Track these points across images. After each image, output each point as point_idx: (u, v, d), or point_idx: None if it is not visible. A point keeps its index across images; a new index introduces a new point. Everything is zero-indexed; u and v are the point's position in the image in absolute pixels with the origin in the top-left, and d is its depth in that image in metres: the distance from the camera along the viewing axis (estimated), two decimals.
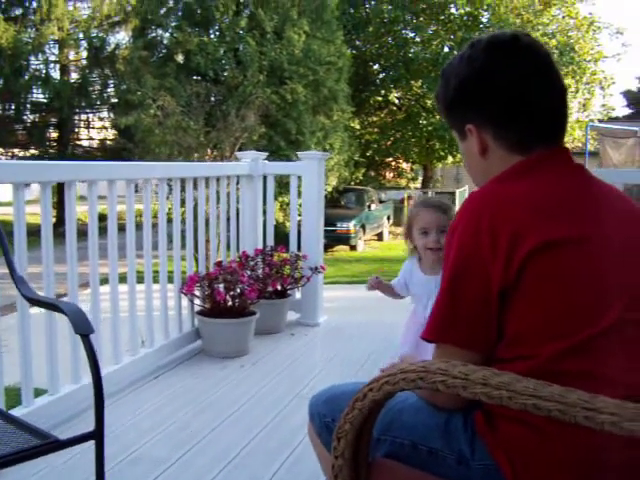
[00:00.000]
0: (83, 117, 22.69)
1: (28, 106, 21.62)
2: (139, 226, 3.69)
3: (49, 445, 1.61)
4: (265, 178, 5.02)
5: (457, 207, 1.51)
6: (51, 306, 1.82)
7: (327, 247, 15.66)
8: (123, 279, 3.55)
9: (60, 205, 3.35)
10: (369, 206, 18.96)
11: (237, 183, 4.84)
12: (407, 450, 1.44)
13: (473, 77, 1.44)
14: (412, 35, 21.67)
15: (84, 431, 1.78)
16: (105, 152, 21.91)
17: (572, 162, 1.44)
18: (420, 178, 26.74)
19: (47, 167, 3.25)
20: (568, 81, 20.90)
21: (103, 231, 3.39)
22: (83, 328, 1.63)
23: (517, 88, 1.40)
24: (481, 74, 1.43)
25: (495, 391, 1.13)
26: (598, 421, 1.03)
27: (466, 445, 1.36)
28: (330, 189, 17.01)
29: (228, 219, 4.71)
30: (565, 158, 1.43)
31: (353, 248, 17.22)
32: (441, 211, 2.68)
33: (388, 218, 21.20)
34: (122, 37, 23.07)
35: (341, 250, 16.96)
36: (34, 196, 3.05)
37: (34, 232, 2.99)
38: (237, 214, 4.82)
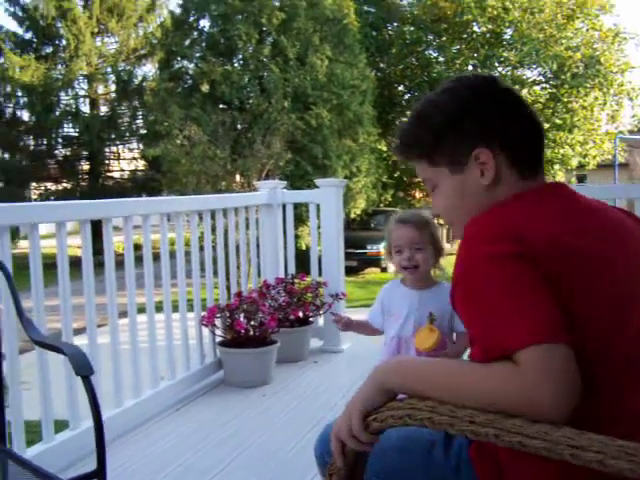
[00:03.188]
0: (113, 149, 23.08)
1: (59, 140, 22.06)
2: (157, 257, 3.74)
3: None
4: (285, 207, 5.05)
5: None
6: (53, 348, 1.86)
7: (358, 270, 15.67)
8: (128, 311, 3.60)
9: (93, 236, 3.46)
10: None
11: (256, 212, 4.87)
12: None
13: (481, 97, 1.40)
14: (435, 55, 21.72)
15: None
16: (135, 183, 22.22)
17: (568, 192, 1.39)
18: None
19: (86, 206, 3.42)
20: (595, 94, 20.75)
21: (120, 266, 3.44)
22: (83, 370, 1.66)
23: (514, 116, 1.39)
24: (488, 94, 1.40)
25: (482, 429, 1.13)
26: (585, 459, 1.03)
27: (451, 475, 1.36)
28: (359, 212, 17.03)
29: (249, 249, 4.75)
30: (562, 191, 1.39)
31: (384, 270, 17.14)
32: (414, 227, 2.51)
33: None
34: (149, 69, 23.61)
35: (372, 272, 16.91)
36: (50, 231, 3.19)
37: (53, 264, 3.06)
38: (257, 243, 4.86)
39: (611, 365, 1.21)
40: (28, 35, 21.80)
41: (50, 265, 3.03)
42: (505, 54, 20.64)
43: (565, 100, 20.61)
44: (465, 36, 21.16)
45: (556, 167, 21.16)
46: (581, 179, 28.18)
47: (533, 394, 1.08)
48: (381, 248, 16.89)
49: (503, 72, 20.95)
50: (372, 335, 2.75)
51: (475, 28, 21.15)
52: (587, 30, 21.35)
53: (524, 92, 21.18)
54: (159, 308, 3.75)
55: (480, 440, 1.14)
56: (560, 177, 21.89)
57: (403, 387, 1.26)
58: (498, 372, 1.13)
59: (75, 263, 3.12)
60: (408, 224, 2.53)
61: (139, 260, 3.58)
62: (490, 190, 1.36)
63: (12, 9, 21.55)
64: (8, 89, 20.84)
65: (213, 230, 4.38)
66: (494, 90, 1.41)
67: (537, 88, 21.46)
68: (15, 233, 15.27)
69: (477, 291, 1.22)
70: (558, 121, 20.37)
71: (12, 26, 21.96)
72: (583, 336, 1.16)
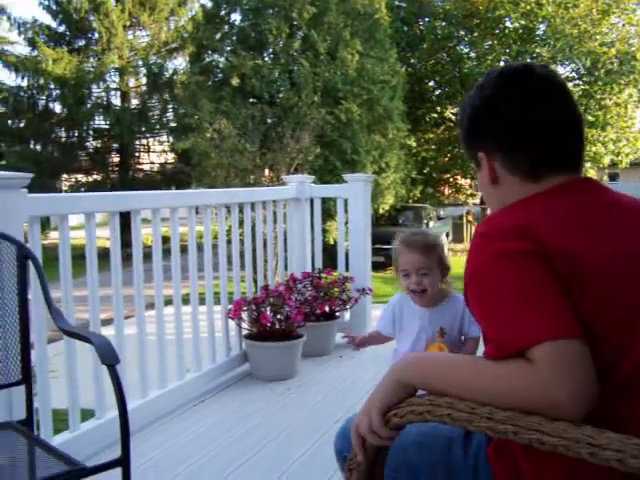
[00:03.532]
0: (143, 142, 23.24)
1: (91, 133, 22.29)
2: (184, 250, 3.76)
3: (76, 472, 1.66)
4: (312, 201, 5.06)
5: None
6: (80, 337, 1.89)
7: (385, 265, 15.60)
8: (155, 303, 3.63)
9: (122, 228, 3.49)
10: (427, 223, 18.85)
11: (284, 206, 4.88)
12: None
13: (483, 104, 1.42)
14: (467, 50, 21.56)
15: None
16: (165, 176, 22.38)
17: (594, 189, 1.37)
18: (479, 193, 26.49)
19: (115, 198, 3.43)
20: (630, 90, 20.47)
21: (148, 258, 3.47)
22: (109, 359, 1.69)
23: (525, 114, 1.37)
24: (490, 101, 1.41)
25: (500, 425, 1.13)
26: (603, 457, 1.02)
27: (469, 474, 1.36)
28: (387, 207, 16.98)
29: (276, 243, 4.76)
30: (584, 187, 1.37)
31: None
32: (420, 252, 2.54)
33: (447, 235, 21.02)
34: (179, 63, 23.72)
35: None
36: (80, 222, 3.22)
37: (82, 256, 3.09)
38: (285, 237, 4.87)
39: (624, 366, 1.19)
40: (61, 28, 22.01)
41: (79, 256, 3.06)
42: (538, 50, 20.40)
43: (598, 97, 20.34)
44: (497, 32, 20.96)
45: (587, 165, 20.93)
46: (613, 177, 27.87)
47: (548, 390, 1.08)
48: None
49: None
50: (385, 342, 2.84)
51: (507, 23, 20.94)
52: (623, 25, 21.04)
53: None
54: (186, 300, 3.77)
55: (499, 437, 1.13)
56: (592, 175, 21.63)
57: (421, 382, 1.27)
58: (513, 369, 1.13)
59: (103, 254, 3.15)
60: (414, 249, 2.55)
61: (167, 252, 3.61)
62: (496, 189, 1.43)
63: (46, 2, 21.77)
64: (41, 81, 21.07)
65: (241, 223, 4.40)
66: (515, 90, 1.40)
67: (570, 85, 21.19)
68: (46, 224, 15.46)
69: (489, 289, 1.23)
70: (591, 118, 20.10)
71: (46, 19, 22.21)
72: (595, 335, 1.16)
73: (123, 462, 1.68)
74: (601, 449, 1.02)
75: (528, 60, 20.34)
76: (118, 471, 1.82)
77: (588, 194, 1.35)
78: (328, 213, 9.51)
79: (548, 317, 1.14)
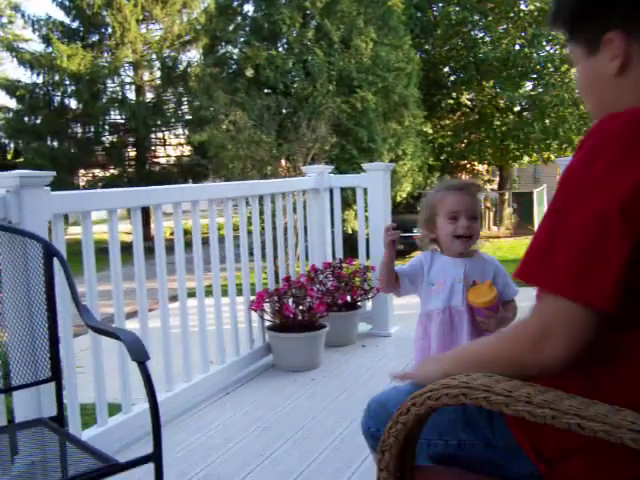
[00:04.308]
0: (159, 135, 23.33)
1: (106, 127, 22.39)
2: (205, 242, 3.76)
3: (109, 468, 1.67)
4: (332, 191, 5.04)
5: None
6: (110, 334, 1.89)
7: (404, 253, 15.58)
8: (178, 295, 3.64)
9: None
10: None
11: (303, 196, 4.87)
12: (441, 448, 1.46)
13: None
14: (481, 35, 21.41)
15: None
16: (182, 169, 22.45)
17: None
18: (496, 179, 26.36)
19: (137, 193, 3.42)
20: None
21: (169, 251, 3.48)
22: (139, 356, 1.69)
23: None
24: None
25: (538, 409, 1.11)
26: None
27: (486, 428, 1.38)
28: (405, 195, 16.93)
29: (296, 233, 4.75)
30: None
31: None
32: (471, 194, 2.36)
33: None
34: (193, 55, 23.74)
35: None
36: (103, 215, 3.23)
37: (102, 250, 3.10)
38: (305, 228, 4.86)
39: None
40: (75, 24, 22.13)
41: (99, 250, 3.06)
42: (554, 32, 20.21)
43: None
44: (512, 15, 20.79)
45: None
46: None
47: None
48: None
49: (551, 51, 20.57)
50: (387, 287, 2.48)
51: (522, 6, 20.77)
52: None
53: (573, 72, 20.78)
54: (209, 292, 3.78)
55: (537, 421, 1.12)
56: None
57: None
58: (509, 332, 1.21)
59: (124, 248, 3.16)
60: (466, 191, 2.37)
61: (186, 245, 3.61)
62: (619, 82, 1.18)
63: None
64: (56, 78, 21.22)
65: (260, 214, 4.39)
66: None
67: None
68: (65, 219, 15.54)
69: (564, 207, 1.10)
70: None
71: (59, 16, 22.39)
72: None
73: (156, 458, 1.68)
74: None
75: (544, 43, 20.16)
76: (147, 465, 1.82)
77: None
78: (346, 202, 9.48)
79: (595, 275, 1.05)
